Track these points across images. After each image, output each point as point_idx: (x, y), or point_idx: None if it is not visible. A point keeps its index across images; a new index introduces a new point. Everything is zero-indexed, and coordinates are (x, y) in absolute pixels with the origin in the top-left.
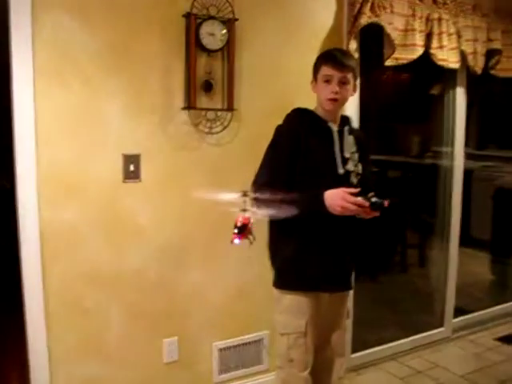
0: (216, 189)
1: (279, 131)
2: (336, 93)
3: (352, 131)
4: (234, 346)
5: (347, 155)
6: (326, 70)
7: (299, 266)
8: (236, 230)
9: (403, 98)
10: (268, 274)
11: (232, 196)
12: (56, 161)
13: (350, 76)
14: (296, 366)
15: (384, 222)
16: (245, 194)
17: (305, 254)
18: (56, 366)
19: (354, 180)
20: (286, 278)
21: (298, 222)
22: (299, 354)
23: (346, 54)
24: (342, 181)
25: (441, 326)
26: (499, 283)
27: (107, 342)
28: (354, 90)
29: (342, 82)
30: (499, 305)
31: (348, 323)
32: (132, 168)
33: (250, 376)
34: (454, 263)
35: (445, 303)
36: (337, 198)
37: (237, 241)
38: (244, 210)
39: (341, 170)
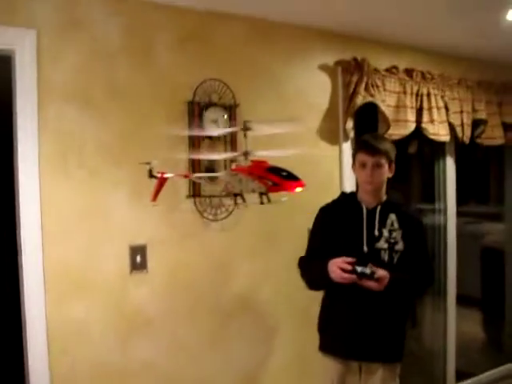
0: (222, 276)
1: (317, 213)
2: (370, 176)
3: (394, 211)
4: None
5: (376, 233)
6: (360, 157)
7: (324, 327)
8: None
9: None
10: (275, 357)
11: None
12: (62, 257)
13: (383, 160)
14: None
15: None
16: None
17: (328, 317)
18: None
19: (386, 257)
20: (319, 339)
21: (327, 288)
22: None
23: (379, 139)
24: (369, 258)
25: None
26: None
27: None
28: (391, 172)
29: (377, 166)
30: (496, 366)
31: None
32: (139, 259)
33: None
34: (453, 323)
35: (446, 367)
36: (332, 265)
37: None
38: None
39: (365, 248)
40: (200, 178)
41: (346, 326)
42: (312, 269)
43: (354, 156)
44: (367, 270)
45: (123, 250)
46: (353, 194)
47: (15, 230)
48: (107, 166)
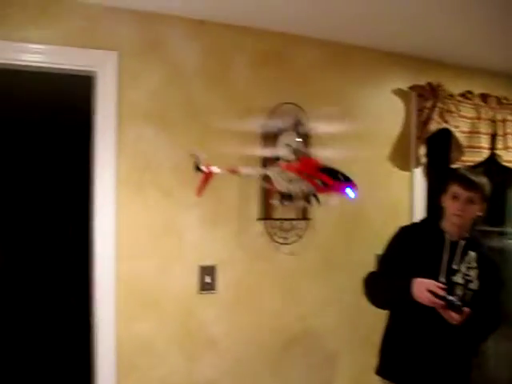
0: (288, 299)
1: (396, 231)
2: (460, 210)
3: (475, 249)
4: None
5: (455, 267)
6: (454, 188)
7: (386, 351)
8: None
9: None
10: (335, 382)
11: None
12: (134, 275)
13: (476, 197)
14: None
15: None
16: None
17: (393, 340)
18: None
19: (459, 292)
20: (379, 361)
21: (398, 306)
22: None
23: (477, 175)
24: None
25: None
26: None
27: None
28: (481, 211)
29: (470, 201)
30: None
31: None
32: (208, 279)
33: None
34: None
35: None
36: (421, 285)
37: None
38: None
39: (442, 279)
40: (249, 174)
41: (412, 354)
42: (388, 285)
43: (446, 185)
44: (457, 301)
45: (193, 270)
46: (436, 222)
47: (87, 244)
48: (181, 187)
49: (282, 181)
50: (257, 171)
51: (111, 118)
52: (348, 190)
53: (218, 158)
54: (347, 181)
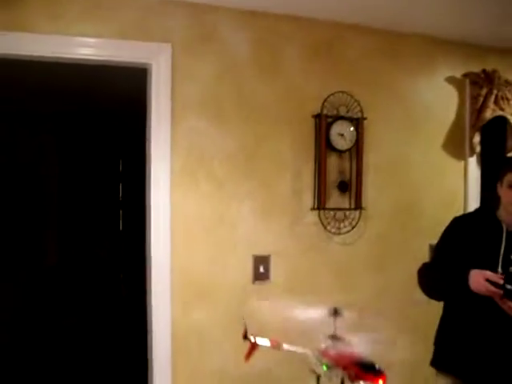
0: (341, 289)
1: (451, 222)
2: None
3: None
4: None
5: None
6: (510, 177)
7: (442, 342)
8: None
9: None
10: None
11: None
12: (188, 265)
13: None
14: None
15: None
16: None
17: (449, 331)
18: None
19: None
20: (434, 353)
21: (452, 297)
22: None
23: None
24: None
25: None
26: None
27: None
28: None
29: None
30: None
31: None
32: (262, 269)
33: None
34: None
35: None
36: (478, 275)
37: None
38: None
39: (499, 269)
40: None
41: (468, 345)
42: (443, 275)
43: (502, 174)
44: None
45: (247, 261)
46: (492, 211)
47: (142, 235)
48: (234, 179)
49: (319, 365)
50: (298, 349)
51: (166, 111)
52: (379, 383)
53: (271, 152)
54: (379, 374)
